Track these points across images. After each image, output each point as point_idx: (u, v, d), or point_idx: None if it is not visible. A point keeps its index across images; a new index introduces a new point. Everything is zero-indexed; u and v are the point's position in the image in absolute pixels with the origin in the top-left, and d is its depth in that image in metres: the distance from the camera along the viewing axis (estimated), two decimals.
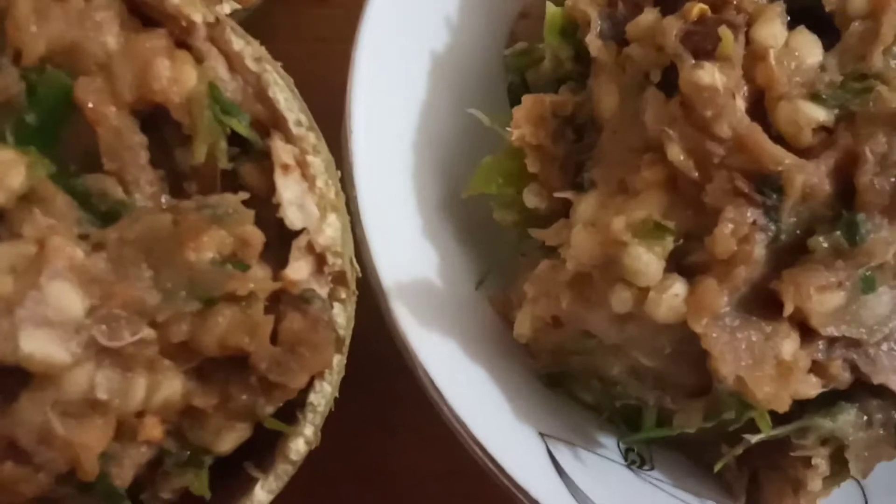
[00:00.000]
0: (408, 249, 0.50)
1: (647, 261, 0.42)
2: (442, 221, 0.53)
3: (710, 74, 0.45)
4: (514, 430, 0.46)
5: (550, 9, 0.52)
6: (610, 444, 0.51)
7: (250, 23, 0.65)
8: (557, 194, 0.49)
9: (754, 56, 0.48)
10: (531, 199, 0.51)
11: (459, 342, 0.49)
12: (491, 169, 0.53)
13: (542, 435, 0.47)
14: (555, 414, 0.50)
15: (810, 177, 0.44)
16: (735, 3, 0.49)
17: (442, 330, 0.48)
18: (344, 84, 0.50)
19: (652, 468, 0.51)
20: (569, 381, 0.51)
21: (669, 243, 0.43)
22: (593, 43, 0.50)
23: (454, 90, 0.57)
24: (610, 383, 0.50)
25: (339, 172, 0.45)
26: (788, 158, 0.44)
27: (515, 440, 0.45)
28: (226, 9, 0.55)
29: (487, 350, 0.51)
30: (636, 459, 0.51)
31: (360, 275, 0.44)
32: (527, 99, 0.51)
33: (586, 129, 0.53)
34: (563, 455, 0.47)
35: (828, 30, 0.50)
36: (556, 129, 0.52)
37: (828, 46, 0.48)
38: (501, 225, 0.52)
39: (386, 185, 0.51)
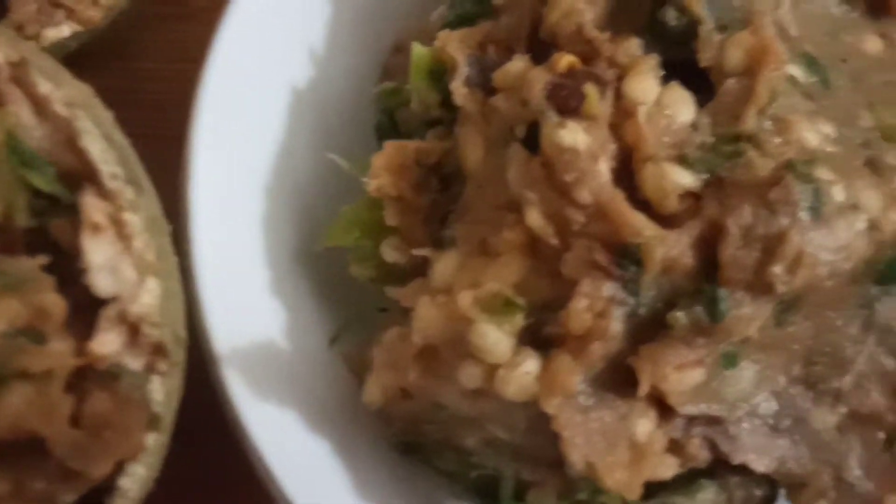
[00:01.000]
0: (252, 308, 0.46)
1: (495, 339, 0.39)
2: (295, 275, 0.50)
3: (572, 135, 0.42)
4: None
5: (416, 49, 0.49)
6: None
7: (110, 44, 0.61)
8: (416, 251, 0.46)
9: (623, 113, 0.45)
10: (389, 253, 0.48)
11: (302, 409, 0.45)
12: (349, 219, 0.50)
13: None
14: (407, 484, 0.47)
15: (671, 249, 0.41)
16: (607, 55, 0.46)
17: (282, 398, 0.45)
18: None
19: None
20: (424, 450, 0.48)
21: (520, 320, 0.40)
22: (458, 90, 0.47)
23: (317, 131, 0.53)
24: (465, 453, 0.47)
25: (170, 227, 0.42)
26: (649, 230, 0.41)
27: None
28: (65, 31, 0.50)
29: (337, 415, 0.47)
30: None
31: (188, 342, 0.41)
32: (388, 146, 0.48)
33: (454, 179, 0.50)
34: None
35: (704, 86, 0.48)
36: (420, 178, 0.49)
37: (703, 103, 0.47)
38: (357, 279, 0.49)
39: (231, 236, 0.47)
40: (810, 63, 0.50)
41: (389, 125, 0.53)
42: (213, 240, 0.45)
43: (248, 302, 0.46)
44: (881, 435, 0.46)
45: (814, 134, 0.47)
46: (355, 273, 0.49)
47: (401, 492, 0.47)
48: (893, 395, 0.46)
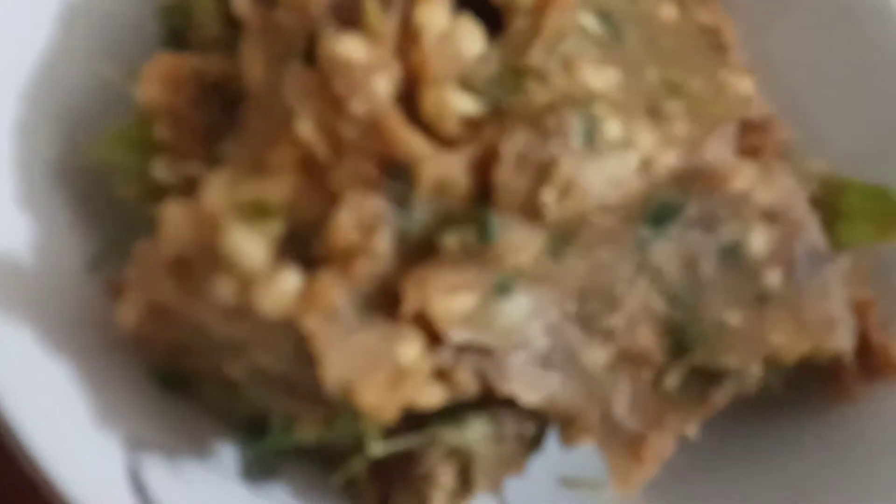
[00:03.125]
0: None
1: (247, 246, 0.38)
2: (54, 190, 0.46)
3: (348, 47, 0.41)
4: (85, 438, 0.40)
5: None
6: (230, 453, 0.46)
7: None
8: (182, 168, 0.44)
9: (411, 38, 0.45)
10: (160, 171, 0.45)
11: (47, 332, 0.42)
12: (117, 134, 0.46)
13: (131, 444, 0.41)
14: (164, 421, 0.44)
15: (444, 169, 0.41)
16: None
17: (22, 317, 0.41)
18: None
19: (276, 479, 0.46)
20: (188, 383, 0.46)
21: (276, 227, 0.38)
22: (240, 3, 0.45)
23: (93, 40, 0.50)
24: (232, 386, 0.45)
25: None
26: (422, 147, 0.41)
27: (82, 449, 0.39)
28: None
29: (90, 343, 0.44)
30: (257, 470, 0.46)
31: None
32: (161, 56, 0.45)
33: (236, 101, 0.48)
34: (156, 467, 0.41)
35: (495, 21, 0.48)
36: (198, 95, 0.47)
37: (494, 38, 0.47)
38: (123, 199, 0.45)
39: None
40: (604, 17, 0.51)
41: (173, 44, 0.50)
42: None
43: None
44: (648, 374, 0.48)
45: (598, 77, 0.48)
46: (121, 192, 0.46)
47: (160, 427, 0.44)
48: (661, 336, 0.48)
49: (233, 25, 0.49)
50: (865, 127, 0.57)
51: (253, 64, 0.46)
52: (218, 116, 0.48)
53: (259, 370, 0.44)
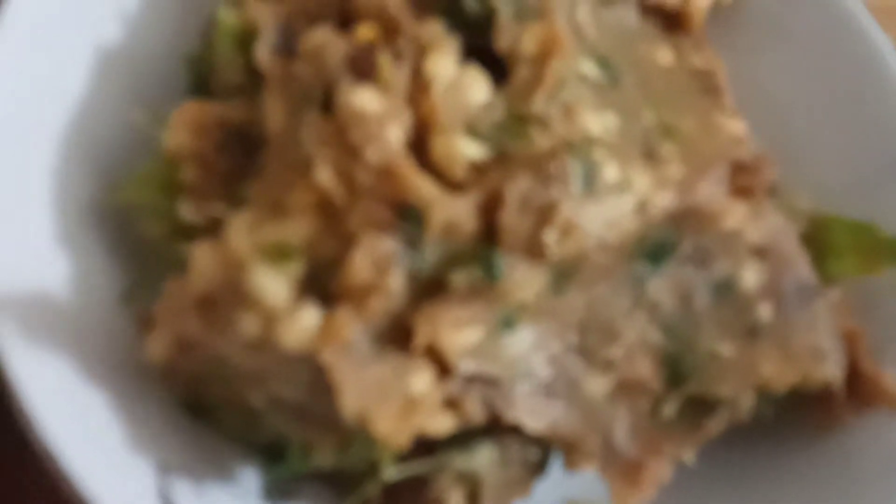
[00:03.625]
0: (35, 260, 0.46)
1: (270, 285, 0.41)
2: (88, 230, 0.49)
3: (363, 98, 0.45)
4: (120, 462, 0.43)
5: (222, 14, 0.50)
6: (251, 478, 0.49)
7: None
8: (209, 209, 0.47)
9: (422, 88, 0.48)
10: (185, 211, 0.49)
11: (83, 363, 0.45)
12: (146, 177, 0.50)
13: (161, 468, 0.44)
14: (191, 446, 0.47)
15: (452, 211, 0.44)
16: (409, 33, 0.49)
17: (60, 349, 0.44)
18: None
19: (295, 502, 0.49)
20: (212, 411, 0.49)
21: (297, 268, 0.42)
22: (262, 56, 0.48)
23: (126, 90, 0.53)
24: (252, 414, 0.48)
25: None
26: (432, 191, 0.44)
27: (117, 472, 0.42)
28: None
29: (122, 374, 0.47)
30: (279, 494, 0.49)
31: None
32: (188, 104, 0.49)
33: (257, 147, 0.51)
34: (184, 489, 0.44)
35: (501, 73, 0.51)
36: (221, 140, 0.50)
37: (500, 84, 0.50)
38: (148, 238, 0.49)
39: (16, 185, 0.46)
40: (602, 63, 0.55)
41: (200, 89, 0.54)
42: None
43: (31, 253, 0.46)
44: (646, 403, 0.50)
45: (597, 122, 0.51)
46: (147, 230, 0.49)
47: (187, 452, 0.47)
48: (658, 367, 0.50)
49: (255, 75, 0.52)
50: (853, 161, 0.59)
51: (273, 112, 0.49)
52: (240, 160, 0.51)
53: (278, 399, 0.47)
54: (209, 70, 0.55)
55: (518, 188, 0.45)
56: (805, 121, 0.61)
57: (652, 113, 0.55)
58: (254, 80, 0.53)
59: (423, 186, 0.43)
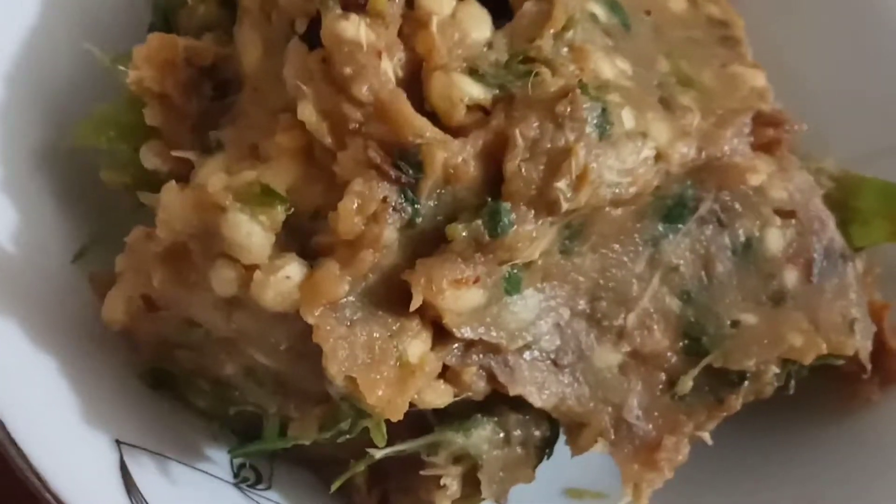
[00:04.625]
0: None
1: (250, 231, 0.36)
2: (37, 176, 0.45)
3: (354, 27, 0.40)
4: (77, 437, 0.38)
5: None
6: (220, 458, 0.44)
7: None
8: (176, 153, 0.42)
9: (416, 22, 0.44)
10: (149, 158, 0.44)
11: (31, 330, 0.40)
12: (105, 118, 0.45)
13: (120, 444, 0.39)
14: (153, 420, 0.43)
15: (454, 155, 0.40)
16: None
17: (6, 312, 0.39)
18: None
19: (269, 487, 0.45)
20: (175, 382, 0.44)
21: (280, 213, 0.37)
22: None
23: (80, 22, 0.48)
24: (223, 385, 0.43)
25: None
26: (431, 132, 0.39)
27: (74, 448, 0.38)
28: None
29: (75, 340, 0.42)
30: (249, 476, 0.44)
31: None
32: (152, 37, 0.44)
33: (231, 87, 0.46)
34: (144, 469, 0.39)
35: (502, 9, 0.47)
36: (190, 79, 0.45)
37: (499, 26, 0.46)
38: (109, 186, 0.44)
39: None
40: (613, 5, 0.51)
41: (164, 27, 0.49)
42: None
43: None
44: (662, 376, 0.46)
45: (609, 66, 0.47)
46: (106, 178, 0.44)
47: (146, 429, 0.42)
48: (675, 337, 0.47)
49: (227, 8, 0.48)
50: (877, 123, 0.57)
51: (250, 46, 0.44)
52: (209, 102, 0.46)
53: (253, 367, 0.43)
54: (175, 4, 0.50)
55: (526, 131, 0.41)
56: (825, 82, 0.58)
57: (666, 62, 0.51)
58: (225, 13, 0.48)
59: (422, 125, 0.39)
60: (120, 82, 0.45)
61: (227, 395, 0.44)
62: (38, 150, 0.44)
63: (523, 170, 0.41)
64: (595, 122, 0.42)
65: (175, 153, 0.42)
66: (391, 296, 0.40)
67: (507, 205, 0.40)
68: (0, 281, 0.40)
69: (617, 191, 0.42)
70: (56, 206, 0.44)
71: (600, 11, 0.49)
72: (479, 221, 0.40)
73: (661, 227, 0.46)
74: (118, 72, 0.44)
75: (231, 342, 0.41)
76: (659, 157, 0.45)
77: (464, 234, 0.40)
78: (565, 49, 0.45)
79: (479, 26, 0.44)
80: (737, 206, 0.47)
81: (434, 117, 0.42)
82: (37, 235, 0.43)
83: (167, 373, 0.44)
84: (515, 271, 0.42)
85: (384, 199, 0.38)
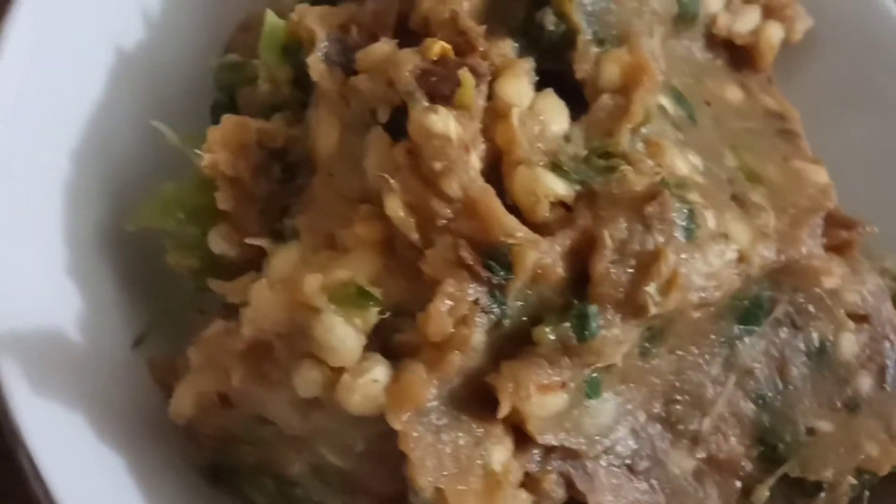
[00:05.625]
0: (40, 291, 0.40)
1: (344, 334, 0.35)
2: (99, 258, 0.44)
3: (443, 121, 0.40)
4: None
5: (271, 19, 0.45)
6: None
7: None
8: (249, 240, 0.42)
9: (495, 113, 0.43)
10: (218, 242, 0.43)
11: (91, 418, 0.39)
12: (172, 199, 0.44)
13: None
14: None
15: (544, 256, 0.39)
16: (481, 50, 0.45)
17: (68, 402, 0.38)
18: None
19: None
20: (236, 478, 0.43)
21: (374, 315, 0.36)
22: (316, 66, 0.43)
23: (144, 99, 0.48)
24: (287, 483, 0.42)
25: None
26: (522, 231, 0.39)
27: None
28: None
29: (134, 428, 0.41)
30: None
31: None
32: (227, 119, 0.43)
33: (299, 170, 0.46)
34: None
35: (576, 99, 0.47)
36: (261, 162, 0.44)
37: (574, 117, 0.45)
38: (176, 271, 0.43)
39: (20, 203, 0.40)
40: (678, 97, 0.51)
41: (228, 105, 0.48)
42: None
43: (37, 284, 0.40)
44: (738, 484, 0.45)
45: (683, 161, 0.47)
46: (173, 262, 0.44)
47: None
48: (751, 443, 0.46)
49: (298, 88, 0.47)
50: None
51: (325, 131, 0.44)
52: (278, 185, 0.46)
53: (321, 466, 0.41)
54: (240, 81, 0.50)
55: (615, 231, 0.40)
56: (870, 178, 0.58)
57: (732, 154, 0.51)
58: (298, 96, 0.48)
59: (511, 224, 0.39)
60: (188, 162, 0.45)
61: (290, 492, 0.42)
62: (101, 229, 0.43)
63: (612, 272, 0.40)
64: (683, 223, 0.42)
65: (248, 240, 0.41)
66: (473, 399, 0.39)
67: (594, 308, 0.40)
68: (64, 368, 0.39)
69: (703, 294, 0.42)
70: (118, 288, 0.43)
71: (668, 104, 0.49)
72: (567, 325, 0.40)
73: (736, 329, 0.45)
74: (189, 152, 0.44)
75: (301, 440, 0.40)
76: (741, 259, 0.45)
77: (551, 337, 0.39)
78: (640, 143, 0.46)
79: (558, 119, 0.44)
80: (811, 308, 0.47)
81: (515, 213, 0.42)
82: (99, 318, 0.42)
83: (228, 468, 0.43)
84: (596, 375, 0.42)
85: (475, 301, 0.38)
